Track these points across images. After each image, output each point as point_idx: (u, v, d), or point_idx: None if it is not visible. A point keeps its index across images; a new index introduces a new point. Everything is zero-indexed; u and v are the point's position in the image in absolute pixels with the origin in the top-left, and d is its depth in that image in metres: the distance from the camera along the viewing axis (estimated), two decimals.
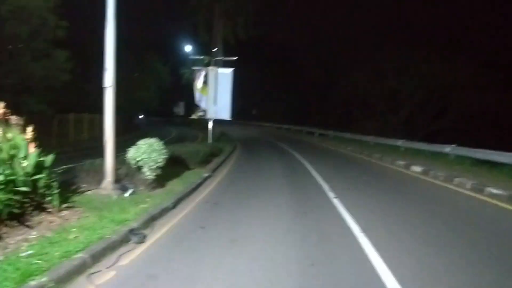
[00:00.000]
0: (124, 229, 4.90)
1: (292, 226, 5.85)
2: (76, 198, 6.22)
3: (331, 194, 8.35)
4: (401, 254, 4.79)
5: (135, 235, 4.82)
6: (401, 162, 14.46)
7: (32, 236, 4.46)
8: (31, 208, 5.06)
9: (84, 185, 7.05)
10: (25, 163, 5.14)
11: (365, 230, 5.66)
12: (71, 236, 4.50)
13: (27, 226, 4.71)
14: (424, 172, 12.46)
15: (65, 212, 5.38)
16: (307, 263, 4.33)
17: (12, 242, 4.22)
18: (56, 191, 5.44)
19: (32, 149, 5.38)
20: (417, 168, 13.06)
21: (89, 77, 23.94)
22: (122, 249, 4.54)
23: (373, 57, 31.89)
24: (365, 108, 34.14)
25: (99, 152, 7.04)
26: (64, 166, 6.42)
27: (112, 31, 6.72)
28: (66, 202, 5.67)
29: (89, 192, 6.70)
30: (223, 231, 5.44)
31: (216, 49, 25.03)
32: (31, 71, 18.17)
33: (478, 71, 26.40)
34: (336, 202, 7.62)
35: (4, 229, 4.44)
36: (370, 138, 23.89)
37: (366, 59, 33.16)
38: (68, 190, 6.46)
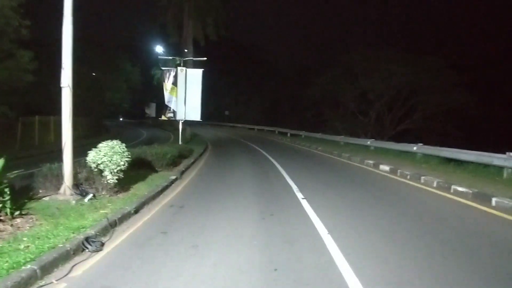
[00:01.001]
0: (80, 237, 4.66)
1: (257, 229, 5.73)
2: (31, 204, 5.92)
3: (299, 195, 8.29)
4: (367, 255, 4.73)
5: (91, 243, 4.59)
6: (370, 161, 14.62)
7: None
8: None
9: (42, 190, 6.73)
10: None
11: (331, 231, 5.60)
12: (22, 246, 4.23)
13: None
14: (392, 171, 12.63)
15: (18, 220, 5.09)
16: (270, 268, 4.21)
17: None
18: (7, 197, 5.15)
19: None
20: (385, 167, 13.22)
21: (54, 78, 23.13)
22: (77, 259, 4.30)
23: (343, 58, 32.25)
24: (336, 109, 34.54)
25: None
26: (17, 171, 6.03)
27: (69, 27, 6.42)
28: (20, 209, 5.38)
29: (46, 198, 6.39)
30: (186, 236, 5.26)
31: (186, 50, 24.68)
32: None
33: (444, 72, 27.09)
34: (304, 203, 7.55)
35: None
36: (340, 138, 24.14)
37: (337, 60, 33.57)
38: (23, 196, 6.15)
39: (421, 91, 28.47)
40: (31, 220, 5.16)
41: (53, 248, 4.23)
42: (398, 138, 24.95)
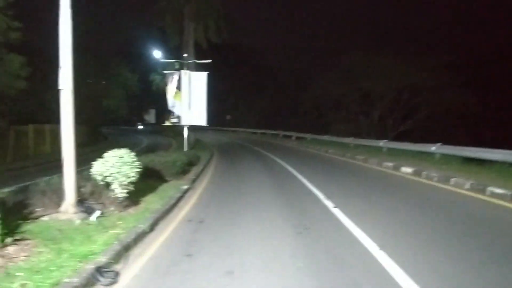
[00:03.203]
0: (89, 266, 3.78)
1: (296, 247, 4.87)
2: (27, 226, 4.99)
3: (329, 203, 7.44)
4: (437, 278, 3.89)
5: (103, 274, 3.72)
6: (389, 164, 13.76)
7: None
8: None
9: (40, 208, 5.82)
10: None
11: (382, 246, 4.76)
12: (16, 284, 3.34)
13: None
14: (416, 173, 11.77)
15: (11, 248, 4.16)
16: None
17: None
18: None
19: None
20: (407, 169, 12.36)
21: (49, 85, 22.16)
22: None
23: (343, 60, 31.70)
24: (338, 111, 33.84)
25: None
26: (3, 187, 5.18)
27: (68, 19, 5.55)
28: (14, 233, 4.49)
29: (45, 218, 5.48)
30: (215, 260, 4.39)
31: (186, 55, 23.81)
32: None
33: (441, 71, 26.53)
34: (337, 212, 6.72)
35: None
36: (350, 140, 23.27)
37: (336, 62, 33.04)
38: (17, 217, 5.23)
39: (422, 90, 27.86)
40: (27, 247, 4.26)
41: (57, 284, 3.37)
42: (401, 138, 24.20)
